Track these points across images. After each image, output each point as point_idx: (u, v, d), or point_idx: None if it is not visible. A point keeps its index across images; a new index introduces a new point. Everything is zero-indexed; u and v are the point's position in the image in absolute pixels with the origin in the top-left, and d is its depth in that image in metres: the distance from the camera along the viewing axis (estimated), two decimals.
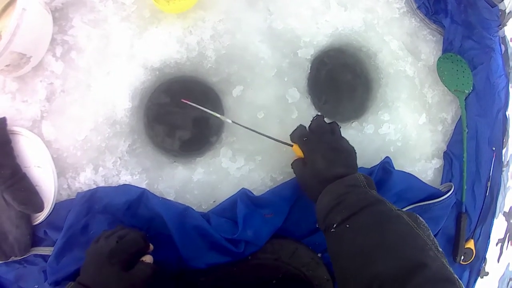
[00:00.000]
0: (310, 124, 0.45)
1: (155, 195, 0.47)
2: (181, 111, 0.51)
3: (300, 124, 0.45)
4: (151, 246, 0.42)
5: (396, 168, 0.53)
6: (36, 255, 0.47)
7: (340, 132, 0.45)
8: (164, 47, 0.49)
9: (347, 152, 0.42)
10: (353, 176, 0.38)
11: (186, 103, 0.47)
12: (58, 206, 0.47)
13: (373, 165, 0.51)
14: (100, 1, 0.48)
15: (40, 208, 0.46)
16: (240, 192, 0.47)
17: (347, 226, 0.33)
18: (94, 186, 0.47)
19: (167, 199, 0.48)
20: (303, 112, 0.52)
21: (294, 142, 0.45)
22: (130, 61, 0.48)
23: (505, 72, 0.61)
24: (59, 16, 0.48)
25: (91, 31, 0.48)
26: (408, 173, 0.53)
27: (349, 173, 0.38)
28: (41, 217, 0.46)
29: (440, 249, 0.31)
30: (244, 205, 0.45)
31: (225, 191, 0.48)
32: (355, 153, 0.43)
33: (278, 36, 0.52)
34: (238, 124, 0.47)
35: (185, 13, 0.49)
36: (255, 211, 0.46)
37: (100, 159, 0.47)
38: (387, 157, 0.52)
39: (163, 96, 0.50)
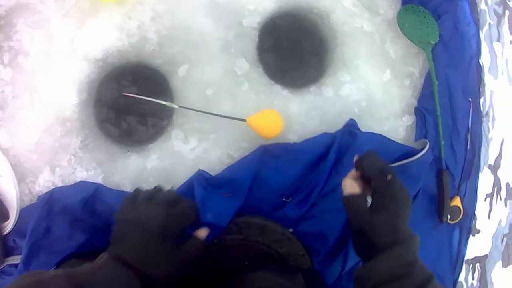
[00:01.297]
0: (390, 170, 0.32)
1: (109, 189, 0.40)
2: (129, 100, 0.43)
3: (375, 154, 0.32)
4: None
5: (363, 130, 0.44)
6: (10, 265, 0.42)
7: None
8: (105, 36, 0.42)
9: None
10: (416, 240, 0.29)
11: (127, 95, 0.41)
12: (23, 212, 0.42)
13: (337, 130, 0.42)
14: (41, 2, 0.43)
15: (6, 216, 0.41)
16: (196, 174, 0.40)
17: None
18: (53, 187, 0.42)
19: (123, 191, 0.41)
20: (254, 82, 0.43)
21: (369, 173, 0.31)
22: (73, 56, 0.43)
23: (474, 19, 0.51)
24: (4, 23, 0.43)
25: (34, 33, 0.43)
26: (376, 133, 0.44)
27: (414, 236, 0.29)
28: (9, 226, 0.42)
29: None
30: (201, 187, 0.38)
31: (182, 175, 0.41)
32: None
33: (221, 8, 0.43)
34: (186, 108, 0.40)
35: None
36: (213, 192, 0.38)
37: (55, 159, 0.42)
38: (351, 119, 0.43)
39: (109, 86, 0.44)
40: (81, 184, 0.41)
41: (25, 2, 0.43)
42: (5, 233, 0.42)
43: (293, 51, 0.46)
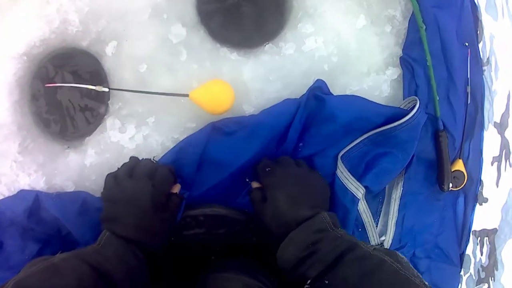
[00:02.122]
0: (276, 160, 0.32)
1: (47, 195, 0.34)
2: (62, 91, 0.36)
3: (264, 157, 0.32)
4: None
5: (338, 91, 0.34)
6: None
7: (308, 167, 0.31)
8: (24, 28, 0.34)
9: (316, 188, 0.30)
10: (318, 218, 0.27)
11: (51, 86, 0.32)
12: None
13: (302, 95, 0.32)
14: None
15: None
16: None
17: (326, 282, 0.25)
18: (1, 197, 0.36)
19: (62, 193, 0.34)
20: (195, 49, 0.33)
21: (258, 175, 0.31)
22: None
23: None
24: None
25: None
26: (351, 95, 0.33)
27: (314, 214, 0.27)
28: None
29: (426, 283, 0.24)
30: None
31: None
32: (328, 188, 0.32)
33: None
34: (117, 89, 0.32)
35: None
36: None
37: None
38: (317, 80, 0.33)
39: (40, 79, 0.36)
40: (22, 194, 0.35)
41: None
42: None
43: (240, 3, 0.34)
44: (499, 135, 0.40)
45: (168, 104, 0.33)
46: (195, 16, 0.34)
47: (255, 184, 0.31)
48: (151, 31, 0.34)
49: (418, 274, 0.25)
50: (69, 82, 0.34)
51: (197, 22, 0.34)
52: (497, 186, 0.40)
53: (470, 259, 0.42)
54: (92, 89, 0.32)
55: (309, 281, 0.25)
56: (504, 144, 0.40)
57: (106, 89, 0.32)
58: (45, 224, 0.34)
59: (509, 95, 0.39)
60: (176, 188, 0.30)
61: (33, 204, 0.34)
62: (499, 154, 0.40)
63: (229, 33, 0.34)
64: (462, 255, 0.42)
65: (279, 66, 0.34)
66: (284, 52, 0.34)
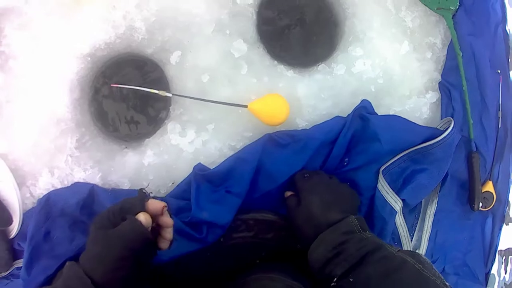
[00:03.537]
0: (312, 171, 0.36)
1: (103, 189, 0.37)
2: (123, 94, 0.40)
3: (303, 168, 0.36)
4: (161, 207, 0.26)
5: (382, 110, 0.38)
6: (18, 268, 0.41)
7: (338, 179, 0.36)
8: (90, 30, 0.39)
9: (346, 196, 0.34)
10: (346, 221, 0.31)
11: (116, 86, 0.36)
12: (26, 216, 0.40)
13: (349, 114, 0.36)
14: (25, 3, 0.39)
15: (9, 221, 0.40)
16: (193, 169, 0.36)
17: (351, 280, 0.27)
18: (53, 189, 0.39)
19: (118, 189, 0.38)
20: (255, 65, 0.38)
21: (293, 183, 0.35)
22: (60, 54, 0.39)
23: None
24: None
25: (21, 35, 0.40)
26: (393, 115, 0.38)
27: (344, 218, 0.31)
28: (14, 230, 0.40)
29: (447, 283, 0.27)
30: (197, 184, 0.34)
31: (182, 170, 0.37)
32: (357, 198, 0.36)
33: None
34: (181, 96, 0.36)
35: None
36: (209, 189, 0.34)
37: (53, 160, 0.40)
38: (363, 100, 0.37)
39: (101, 81, 0.40)
40: (77, 186, 0.39)
41: (11, 6, 0.39)
42: (11, 237, 0.41)
43: (296, 26, 0.40)
44: None
45: (227, 114, 0.37)
46: (255, 35, 0.39)
47: (288, 193, 0.35)
48: (214, 45, 0.39)
49: (440, 275, 0.27)
50: (125, 85, 0.37)
51: (256, 40, 0.39)
52: None
53: (495, 278, 0.45)
54: (155, 94, 0.36)
55: (335, 279, 0.28)
56: None
57: (170, 95, 0.36)
58: None
59: None
60: (140, 216, 0.25)
61: (87, 196, 0.37)
62: None
63: (286, 52, 0.39)
64: (487, 274, 0.46)
65: (331, 85, 0.39)
66: (335, 73, 0.40)
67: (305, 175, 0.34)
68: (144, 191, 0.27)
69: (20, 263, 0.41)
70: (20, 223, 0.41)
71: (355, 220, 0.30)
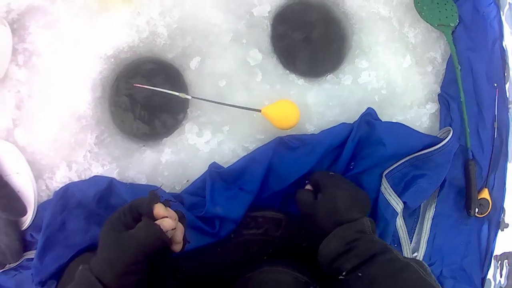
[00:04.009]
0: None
1: (122, 182, 0.40)
2: (143, 94, 0.43)
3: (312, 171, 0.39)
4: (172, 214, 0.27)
5: (385, 119, 0.42)
6: (28, 259, 0.42)
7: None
8: (115, 33, 0.42)
9: (363, 197, 0.36)
10: (361, 221, 0.33)
11: (139, 87, 0.40)
12: (40, 208, 0.42)
13: (355, 120, 0.40)
14: (52, 4, 0.43)
15: (23, 212, 0.42)
16: (209, 167, 0.39)
17: (359, 274, 0.29)
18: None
19: (135, 184, 0.40)
20: (269, 73, 0.42)
21: (314, 179, 0.37)
22: (84, 54, 0.43)
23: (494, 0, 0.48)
24: (17, 26, 0.43)
25: (46, 33, 0.43)
26: (396, 122, 0.41)
27: (360, 217, 0.33)
28: (27, 221, 0.42)
29: None
30: (212, 181, 0.37)
31: (197, 168, 0.40)
32: (370, 202, 0.37)
33: None
34: (199, 98, 0.39)
35: None
36: (223, 186, 0.37)
37: (71, 155, 0.42)
38: (368, 108, 0.41)
39: (123, 82, 0.43)
40: (95, 179, 0.41)
41: (36, 5, 0.43)
42: (24, 228, 0.42)
43: (307, 39, 0.44)
44: None
45: (241, 117, 0.41)
46: (269, 45, 0.43)
47: (308, 186, 0.36)
48: (231, 52, 0.42)
49: (438, 284, 0.29)
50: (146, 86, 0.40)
51: (271, 51, 0.43)
52: None
53: (491, 283, 0.48)
54: (174, 96, 0.40)
55: (344, 273, 0.29)
56: None
57: (189, 97, 0.40)
58: (112, 211, 0.37)
59: None
60: (164, 221, 0.26)
61: (105, 189, 0.39)
62: None
63: (297, 63, 0.43)
64: (483, 279, 0.48)
65: (338, 94, 0.43)
66: (342, 83, 0.43)
67: (330, 172, 0.36)
68: (156, 192, 0.27)
69: (30, 254, 0.42)
70: (34, 215, 0.42)
71: (368, 222, 0.33)
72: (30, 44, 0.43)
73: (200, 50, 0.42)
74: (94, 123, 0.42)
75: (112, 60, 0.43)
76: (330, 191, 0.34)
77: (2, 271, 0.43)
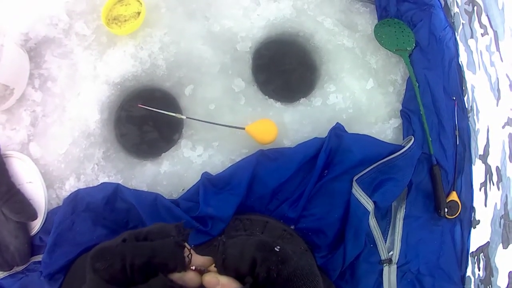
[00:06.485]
0: None
1: (127, 188, 0.49)
2: (144, 117, 0.55)
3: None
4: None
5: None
6: (35, 262, 0.48)
7: None
8: (122, 64, 0.54)
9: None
10: None
11: (142, 107, 0.51)
12: (50, 214, 0.49)
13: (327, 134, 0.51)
14: (66, 37, 0.55)
15: (34, 216, 0.48)
16: (201, 176, 0.49)
17: None
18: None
19: (139, 190, 0.50)
20: (251, 98, 0.55)
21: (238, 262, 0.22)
22: (95, 81, 0.54)
23: (449, 23, 0.61)
24: (34, 54, 0.53)
25: (61, 62, 0.54)
26: (362, 134, 0.52)
27: None
28: (36, 226, 0.49)
29: None
30: (204, 186, 0.47)
31: (191, 178, 0.51)
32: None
33: (217, 37, 0.56)
34: (192, 119, 0.51)
35: (135, 33, 0.55)
36: (214, 191, 0.47)
37: (80, 168, 0.51)
38: (337, 123, 0.53)
39: (127, 106, 0.55)
40: (103, 185, 0.49)
41: (52, 37, 0.53)
42: (33, 233, 0.48)
43: (283, 70, 0.58)
44: (483, 164, 0.54)
45: (228, 134, 0.53)
46: (251, 75, 0.57)
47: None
48: (219, 81, 0.56)
49: None
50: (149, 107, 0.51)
51: (252, 80, 0.57)
52: (486, 206, 0.53)
53: (471, 279, 0.54)
54: (172, 117, 0.50)
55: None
56: (487, 169, 0.53)
57: (184, 117, 0.52)
58: (117, 214, 0.47)
59: (488, 129, 0.53)
60: (189, 276, 0.19)
61: (112, 193, 0.47)
62: (485, 180, 0.54)
63: (274, 90, 0.56)
64: (463, 277, 0.55)
65: (310, 114, 0.55)
66: (314, 104, 0.56)
67: (276, 248, 0.20)
68: (184, 230, 0.20)
69: (37, 258, 0.47)
70: (43, 221, 0.48)
71: None
72: (46, 70, 0.53)
73: (193, 79, 0.55)
74: (101, 141, 0.52)
75: (119, 86, 0.55)
76: None
77: (9, 275, 0.47)
